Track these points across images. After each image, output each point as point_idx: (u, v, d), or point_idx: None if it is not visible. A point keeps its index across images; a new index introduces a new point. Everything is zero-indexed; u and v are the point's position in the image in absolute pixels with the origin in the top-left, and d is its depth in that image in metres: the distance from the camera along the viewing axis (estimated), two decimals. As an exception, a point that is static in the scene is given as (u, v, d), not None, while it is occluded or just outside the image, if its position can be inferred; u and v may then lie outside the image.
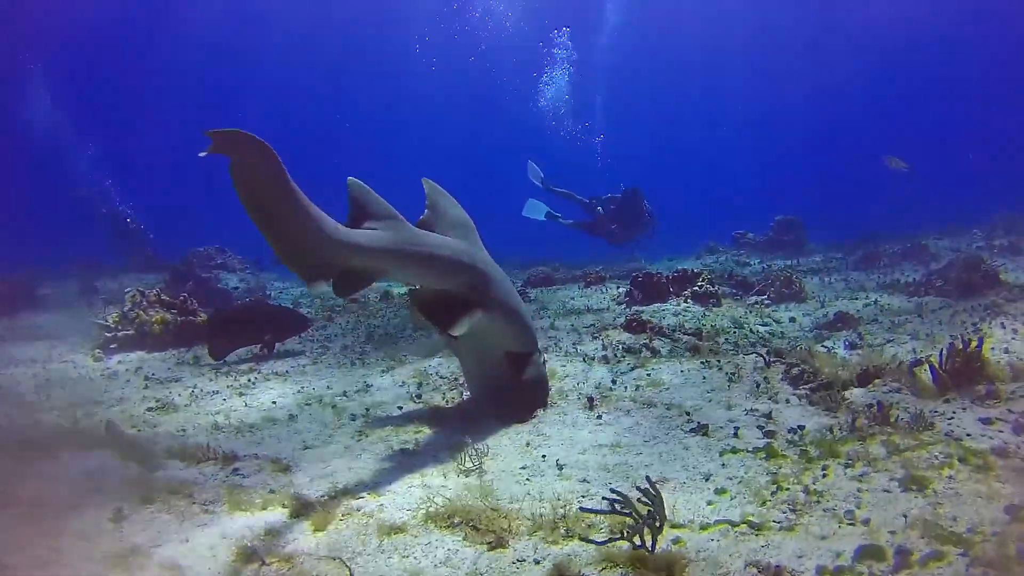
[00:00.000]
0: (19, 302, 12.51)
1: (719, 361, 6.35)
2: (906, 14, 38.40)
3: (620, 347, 7.21)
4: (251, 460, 4.82)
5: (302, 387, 6.85)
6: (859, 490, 3.49)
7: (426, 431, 5.19)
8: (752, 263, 15.39)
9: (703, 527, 3.23)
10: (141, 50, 43.51)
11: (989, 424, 4.23)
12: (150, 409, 6.40)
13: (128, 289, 10.74)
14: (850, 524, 3.17)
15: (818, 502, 3.41)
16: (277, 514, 3.85)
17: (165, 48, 43.74)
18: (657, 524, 2.88)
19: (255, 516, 3.85)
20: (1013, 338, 6.53)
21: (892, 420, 4.37)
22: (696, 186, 48.37)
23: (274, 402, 6.36)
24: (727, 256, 17.26)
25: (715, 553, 2.98)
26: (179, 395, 6.83)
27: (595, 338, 7.79)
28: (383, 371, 7.24)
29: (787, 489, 3.58)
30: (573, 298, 11.39)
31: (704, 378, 5.90)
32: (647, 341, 7.25)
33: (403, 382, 6.72)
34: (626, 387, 5.86)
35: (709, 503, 3.52)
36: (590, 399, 5.48)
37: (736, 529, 3.19)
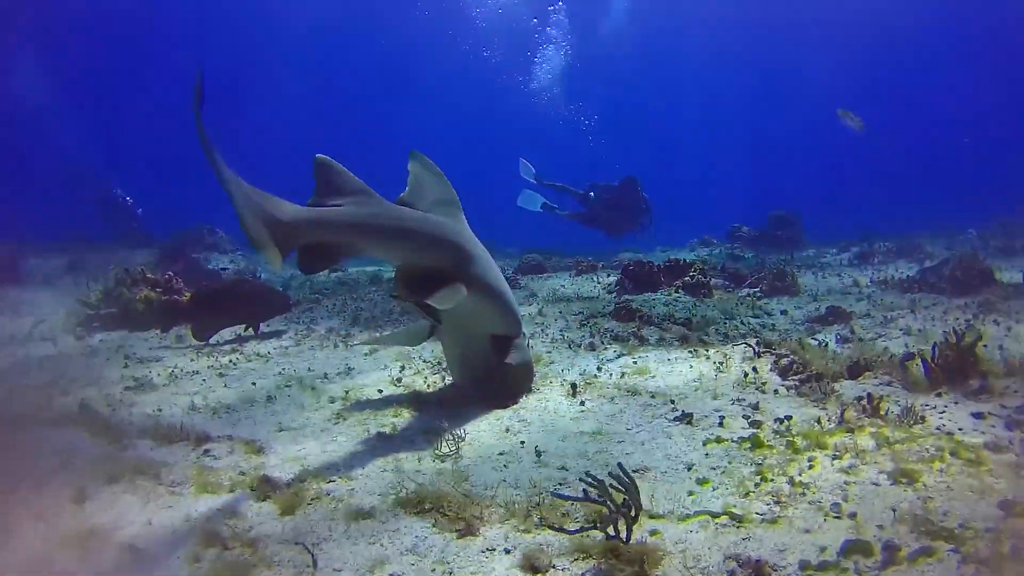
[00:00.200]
0: (3, 277, 12.35)
1: (707, 350, 6.23)
2: (907, 9, 38.21)
3: (608, 335, 7.09)
4: (224, 441, 4.68)
5: (283, 368, 6.72)
6: (846, 483, 3.37)
7: (405, 415, 5.06)
8: (746, 256, 15.29)
9: (682, 518, 3.10)
10: (140, 25, 43.04)
11: (982, 419, 4.11)
12: (127, 388, 6.26)
13: (112, 266, 10.58)
14: (836, 517, 3.05)
15: (803, 494, 3.28)
16: (245, 496, 3.72)
17: (162, 23, 43.31)
18: (632, 514, 2.74)
19: (222, 498, 3.72)
20: (1007, 335, 6.45)
21: (882, 413, 4.26)
22: (693, 178, 48.28)
23: (254, 383, 6.22)
24: (721, 249, 17.18)
25: (693, 545, 2.85)
26: (158, 375, 6.70)
27: (583, 325, 7.67)
28: (366, 354, 7.11)
29: (771, 480, 3.45)
30: (563, 286, 11.26)
31: (691, 367, 5.78)
32: (635, 329, 7.12)
33: (385, 365, 6.59)
34: (611, 374, 5.73)
35: (690, 493, 3.39)
36: (573, 385, 5.35)
37: (717, 521, 3.06)
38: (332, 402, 5.53)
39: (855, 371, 5.21)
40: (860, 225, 17.67)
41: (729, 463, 3.74)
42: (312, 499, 3.61)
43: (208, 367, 6.95)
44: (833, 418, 4.29)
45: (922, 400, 4.54)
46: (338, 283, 13.10)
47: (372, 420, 5.00)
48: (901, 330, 7.01)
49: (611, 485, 2.79)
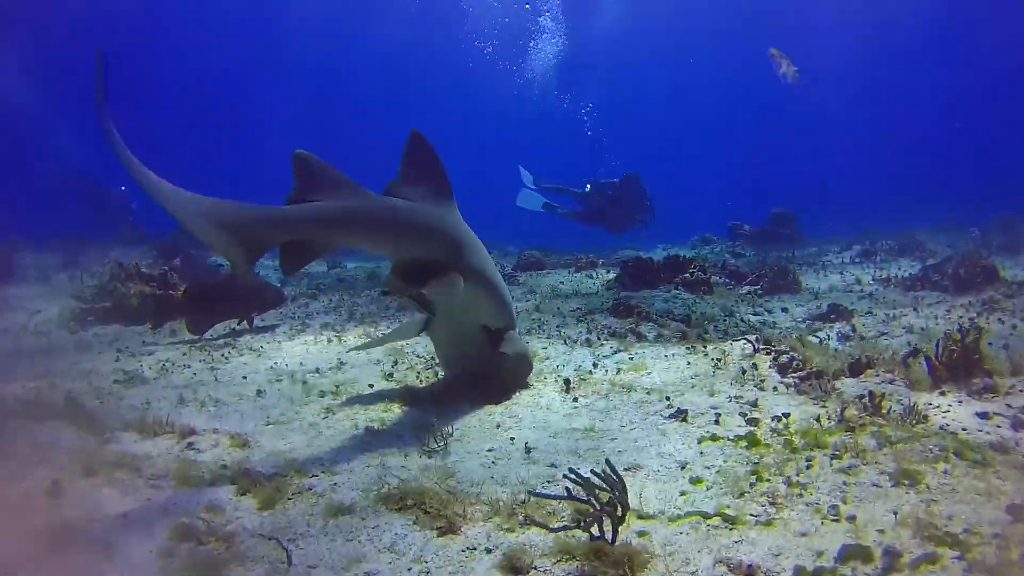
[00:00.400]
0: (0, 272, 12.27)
1: (705, 347, 6.10)
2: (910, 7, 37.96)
3: (605, 331, 6.97)
4: (209, 435, 4.57)
5: (275, 363, 6.62)
6: (845, 483, 3.23)
7: (395, 410, 4.95)
8: (747, 254, 15.14)
9: (673, 519, 2.98)
10: (136, 22, 42.92)
11: (987, 418, 3.98)
12: (117, 382, 6.17)
13: (106, 261, 10.51)
14: (834, 520, 2.91)
15: (800, 495, 3.15)
16: (224, 490, 3.61)
17: (159, 19, 43.19)
18: (619, 513, 2.62)
19: (201, 492, 3.61)
20: (1011, 333, 6.31)
21: (884, 411, 4.13)
22: (693, 176, 48.02)
23: (244, 377, 6.12)
24: (722, 247, 17.03)
25: (682, 548, 2.72)
26: (149, 368, 6.60)
27: (580, 321, 7.55)
28: (359, 349, 7.00)
29: (767, 480, 3.32)
30: (562, 282, 11.14)
31: (689, 363, 5.65)
32: (633, 326, 7.00)
33: (378, 360, 6.48)
34: (606, 370, 5.62)
35: (682, 493, 3.27)
36: (567, 382, 5.23)
37: (709, 522, 2.93)
38: (322, 396, 5.42)
39: (856, 368, 5.08)
40: (861, 223, 17.53)
41: (724, 462, 3.61)
42: (293, 494, 3.50)
43: (200, 361, 6.85)
44: (833, 416, 4.16)
45: (925, 399, 4.41)
46: (336, 280, 12.99)
47: (361, 415, 4.89)
48: (904, 328, 6.88)
49: (596, 483, 2.66)
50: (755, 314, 8.00)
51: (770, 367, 5.36)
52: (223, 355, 7.05)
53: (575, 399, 4.93)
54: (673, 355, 5.95)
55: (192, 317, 7.92)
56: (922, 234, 14.91)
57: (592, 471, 2.75)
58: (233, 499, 3.50)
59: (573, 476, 2.67)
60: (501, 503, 3.10)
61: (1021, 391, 4.37)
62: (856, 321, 7.36)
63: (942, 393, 4.51)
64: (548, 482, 3.47)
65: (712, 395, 4.82)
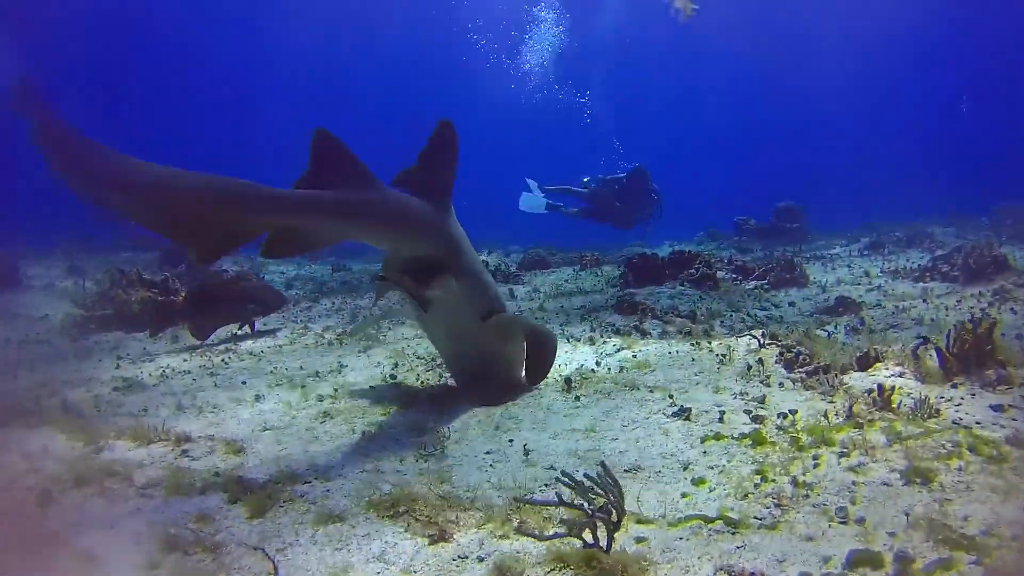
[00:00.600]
0: (2, 281, 12.24)
1: (710, 343, 5.97)
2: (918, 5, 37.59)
3: (609, 328, 6.86)
4: (204, 441, 4.50)
5: (275, 367, 6.54)
6: (854, 483, 3.09)
7: (393, 413, 4.86)
8: (754, 249, 14.97)
9: (673, 523, 2.85)
10: (135, 21, 42.99)
11: (1002, 411, 3.83)
12: (116, 389, 6.11)
13: (107, 268, 10.48)
14: (842, 523, 2.78)
15: (807, 496, 3.02)
16: (216, 498, 3.52)
17: (162, 22, 43.23)
18: (614, 519, 2.50)
19: (192, 500, 3.53)
20: (1025, 323, 6.15)
21: (894, 405, 3.99)
22: (700, 171, 47.70)
23: (244, 382, 6.05)
24: (728, 242, 16.86)
25: (682, 555, 2.60)
26: (149, 375, 6.54)
27: (584, 319, 7.43)
28: (360, 351, 6.93)
29: (772, 480, 3.20)
30: (566, 280, 11.01)
31: (693, 360, 5.52)
32: (637, 323, 6.88)
33: (379, 363, 6.39)
34: (609, 368, 5.50)
35: (684, 495, 3.15)
36: (568, 380, 5.12)
37: (710, 526, 2.80)
38: (321, 400, 5.34)
39: (865, 362, 4.94)
40: (867, 214, 17.35)
41: (728, 461, 3.49)
42: (285, 501, 3.41)
43: (200, 367, 6.79)
44: (841, 412, 4.03)
45: (936, 392, 4.27)
46: (340, 283, 12.92)
47: (359, 419, 4.80)
48: (913, 319, 6.73)
49: (591, 487, 2.54)
50: (762, 309, 7.86)
51: (776, 362, 5.23)
52: (223, 360, 6.99)
53: (576, 398, 4.82)
54: (677, 352, 5.83)
55: (194, 321, 7.86)
56: (931, 225, 14.71)
57: (585, 474, 2.63)
58: (224, 507, 3.41)
59: (566, 480, 2.56)
60: (495, 509, 2.99)
61: (1036, 383, 4.23)
62: (865, 314, 7.22)
63: (954, 386, 4.37)
64: (546, 485, 3.36)
65: (717, 392, 4.70)
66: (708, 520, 2.83)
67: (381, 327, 8.01)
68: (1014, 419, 3.73)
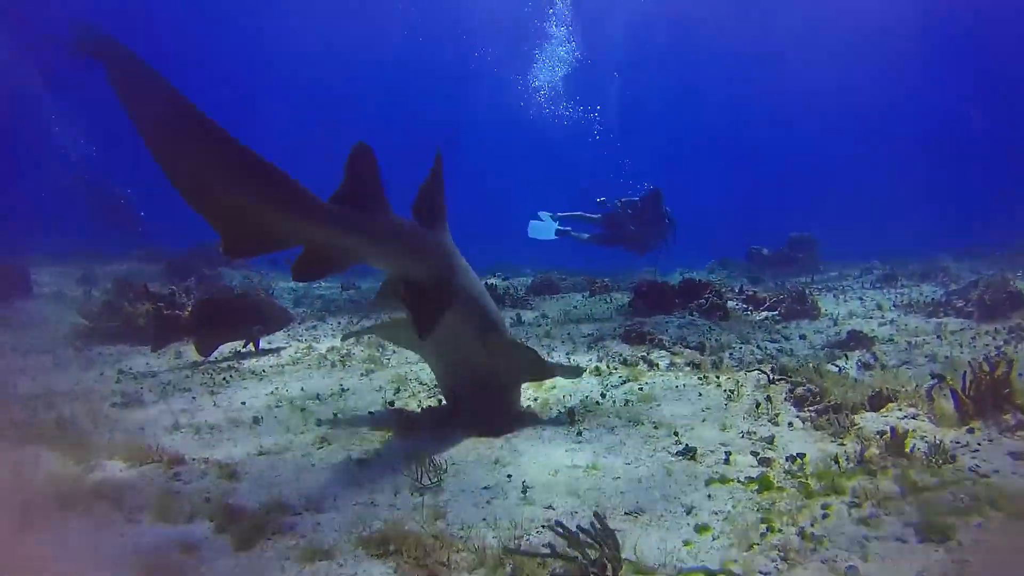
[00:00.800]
0: (13, 289, 12.29)
1: (718, 377, 5.83)
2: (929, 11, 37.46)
3: (616, 358, 6.73)
4: (198, 464, 4.41)
5: (276, 388, 6.46)
6: (866, 537, 2.94)
7: (391, 441, 4.75)
8: (764, 278, 14.81)
9: (674, 574, 2.73)
10: (139, 23, 43.47)
11: (1021, 459, 3.68)
12: (114, 404, 6.05)
13: (113, 280, 10.49)
14: (852, 582, 2.64)
15: (815, 550, 2.87)
16: (203, 526, 3.42)
17: (162, 22, 43.59)
18: (609, 573, 2.38)
19: (178, 528, 3.43)
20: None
21: (907, 450, 3.85)
22: (711, 200, 47.47)
23: (243, 403, 5.97)
24: (740, 270, 16.72)
25: (682, 609, 2.48)
26: (149, 391, 6.48)
27: (591, 348, 7.31)
28: (362, 374, 6.83)
29: (779, 531, 3.05)
30: (575, 306, 10.90)
31: (700, 395, 5.39)
32: (645, 353, 6.76)
33: (380, 387, 6.29)
34: (614, 401, 5.37)
35: (686, 543, 3.01)
36: (571, 413, 5.00)
37: (713, 579, 2.68)
38: (319, 425, 5.25)
39: (877, 402, 4.80)
40: (882, 247, 17.22)
41: (733, 507, 3.35)
42: (273, 533, 3.30)
43: (201, 384, 6.72)
44: (852, 456, 3.89)
45: (952, 436, 4.12)
46: (348, 301, 12.87)
47: (357, 446, 4.70)
48: (927, 356, 6.58)
49: (585, 540, 2.42)
50: (772, 341, 7.71)
51: (786, 399, 5.09)
52: (224, 378, 6.92)
53: (579, 432, 4.69)
54: (685, 385, 5.69)
55: (199, 336, 7.79)
56: (942, 258, 14.53)
57: (579, 526, 2.51)
58: (210, 537, 3.31)
59: (560, 530, 2.44)
60: (488, 551, 2.87)
61: (1057, 431, 4.07)
62: (877, 349, 7.06)
63: (970, 430, 4.21)
64: (543, 526, 3.23)
65: (724, 430, 4.56)
66: (710, 573, 2.69)
67: (384, 347, 7.92)
68: (1034, 470, 3.58)
